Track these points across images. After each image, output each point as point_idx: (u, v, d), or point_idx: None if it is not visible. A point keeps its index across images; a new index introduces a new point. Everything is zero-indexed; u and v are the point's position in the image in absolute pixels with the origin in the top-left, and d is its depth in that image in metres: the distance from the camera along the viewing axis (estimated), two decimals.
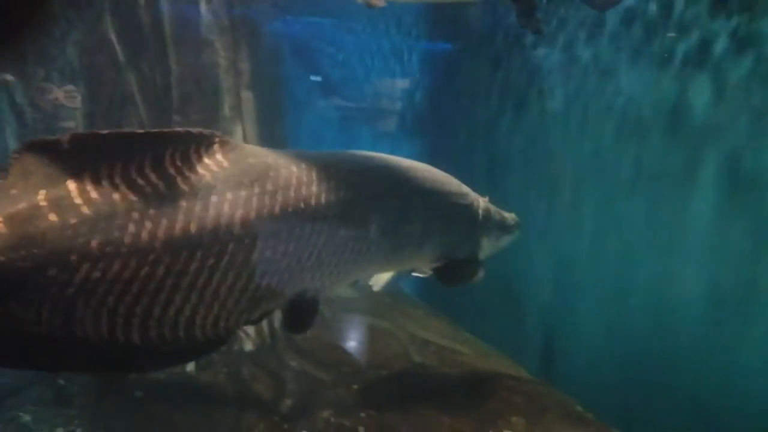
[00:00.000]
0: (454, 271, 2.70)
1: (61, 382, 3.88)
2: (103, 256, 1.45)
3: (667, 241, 4.26)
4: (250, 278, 1.69)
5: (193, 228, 1.56)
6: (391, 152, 2.45)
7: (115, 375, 3.67)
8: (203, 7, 4.04)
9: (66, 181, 1.45)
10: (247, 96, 4.20)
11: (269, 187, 1.72)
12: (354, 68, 8.47)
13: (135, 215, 1.49)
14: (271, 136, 4.63)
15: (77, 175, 1.46)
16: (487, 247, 2.93)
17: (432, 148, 7.10)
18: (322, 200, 1.85)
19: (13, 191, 1.41)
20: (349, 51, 8.49)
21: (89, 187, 1.47)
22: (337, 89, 8.43)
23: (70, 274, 1.43)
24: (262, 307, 1.78)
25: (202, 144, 1.64)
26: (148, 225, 1.50)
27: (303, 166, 1.86)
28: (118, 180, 1.50)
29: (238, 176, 1.67)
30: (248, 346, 4.36)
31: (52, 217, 1.41)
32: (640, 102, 4.47)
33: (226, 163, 1.67)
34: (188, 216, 1.55)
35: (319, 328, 4.52)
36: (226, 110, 4.17)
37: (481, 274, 2.83)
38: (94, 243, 1.45)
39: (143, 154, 1.54)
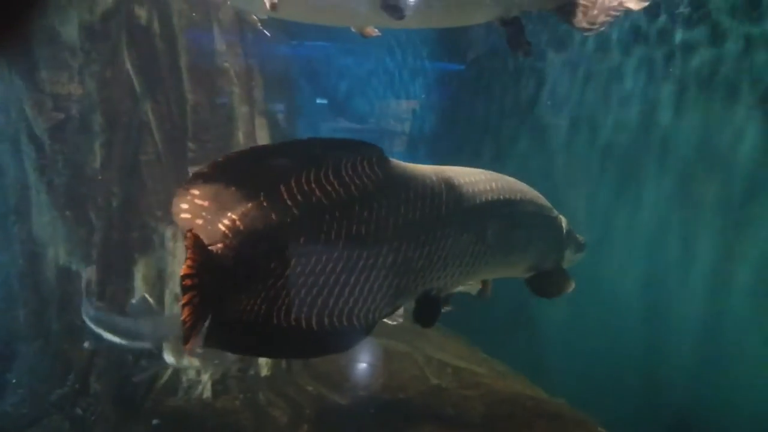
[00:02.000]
0: (548, 282, 2.90)
1: (79, 411, 3.89)
2: (306, 252, 1.69)
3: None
4: (396, 276, 1.94)
5: (363, 230, 1.81)
6: None
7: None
8: (217, 36, 4.09)
9: (278, 184, 1.67)
10: (261, 122, 4.24)
11: (411, 195, 1.98)
12: (363, 89, 8.54)
13: (327, 217, 1.73)
14: None
15: (285, 179, 1.69)
16: (568, 260, 3.12)
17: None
18: (450, 208, 2.11)
19: (231, 190, 1.62)
20: (357, 73, 8.56)
21: (296, 190, 1.69)
22: (347, 111, 8.49)
23: (284, 268, 1.65)
24: (399, 302, 2.01)
25: (365, 156, 1.87)
26: (336, 226, 1.75)
27: (433, 177, 2.10)
28: (313, 185, 1.73)
29: (390, 186, 1.92)
30: (264, 371, 4.33)
31: (274, 216, 1.63)
32: None
33: (380, 174, 1.90)
34: (360, 220, 1.81)
35: None
36: (240, 137, 4.19)
37: (572, 285, 2.93)
38: (302, 240, 1.68)
39: (327, 162, 1.77)
